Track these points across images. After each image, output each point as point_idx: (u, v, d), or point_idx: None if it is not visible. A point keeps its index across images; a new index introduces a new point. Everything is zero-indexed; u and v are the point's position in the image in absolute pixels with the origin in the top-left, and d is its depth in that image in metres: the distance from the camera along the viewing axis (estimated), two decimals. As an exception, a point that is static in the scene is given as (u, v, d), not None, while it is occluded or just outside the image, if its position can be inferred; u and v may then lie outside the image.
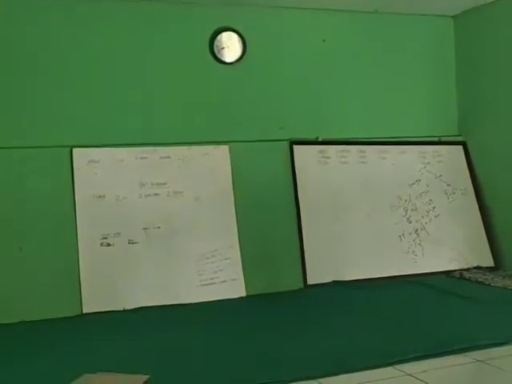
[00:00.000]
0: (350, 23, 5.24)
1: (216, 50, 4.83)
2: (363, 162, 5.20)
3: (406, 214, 5.18)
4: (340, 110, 5.19)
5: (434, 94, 5.53)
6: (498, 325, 3.49)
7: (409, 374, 2.78)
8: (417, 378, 2.73)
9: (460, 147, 5.53)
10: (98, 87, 4.50)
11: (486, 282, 4.61)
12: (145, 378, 2.49)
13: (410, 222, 5.17)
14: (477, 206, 5.33)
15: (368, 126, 5.28)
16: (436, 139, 5.48)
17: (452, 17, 5.60)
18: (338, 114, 5.18)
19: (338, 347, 3.20)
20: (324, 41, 5.15)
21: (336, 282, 4.75)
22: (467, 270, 5.02)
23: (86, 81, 4.47)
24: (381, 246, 5.03)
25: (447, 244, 5.17)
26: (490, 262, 5.17)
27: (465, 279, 4.82)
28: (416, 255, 5.09)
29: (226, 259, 4.60)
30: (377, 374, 2.80)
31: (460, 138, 5.58)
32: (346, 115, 5.20)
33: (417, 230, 5.16)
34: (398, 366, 2.88)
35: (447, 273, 5.02)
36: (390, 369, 2.86)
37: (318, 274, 4.77)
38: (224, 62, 4.86)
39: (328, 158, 5.11)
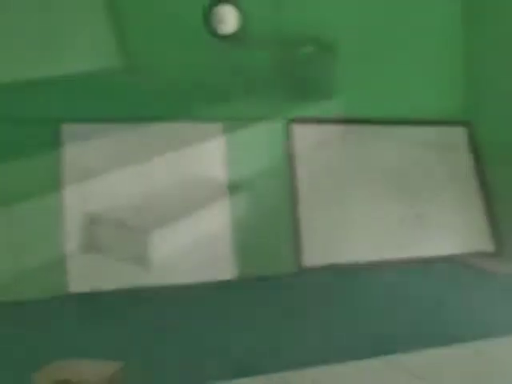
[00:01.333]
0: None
1: (211, 23, 4.63)
2: (363, 143, 5.02)
3: (407, 197, 5.01)
4: (339, 88, 4.98)
5: (438, 72, 5.32)
6: (500, 313, 3.35)
7: (404, 367, 2.63)
8: (413, 371, 2.58)
9: (464, 129, 5.34)
10: (87, 60, 4.32)
11: (488, 268, 4.47)
12: (118, 365, 2.31)
13: (411, 206, 5.01)
14: (480, 191, 5.17)
15: (368, 105, 5.08)
16: (439, 119, 5.28)
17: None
18: (337, 91, 4.97)
19: (328, 337, 3.08)
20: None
21: (332, 266, 4.61)
22: (468, 255, 4.89)
23: (76, 54, 4.29)
24: (380, 229, 4.89)
25: (449, 229, 5.02)
26: (491, 248, 5.03)
27: (466, 265, 4.68)
28: (416, 240, 4.93)
29: (218, 240, 4.45)
30: (369, 366, 2.65)
31: (464, 119, 5.38)
32: (346, 93, 5.00)
33: (418, 214, 5.00)
34: (393, 357, 2.73)
35: (448, 258, 4.88)
36: (383, 360, 2.71)
37: (313, 257, 4.63)
38: (219, 36, 4.66)
39: (327, 138, 4.93)
